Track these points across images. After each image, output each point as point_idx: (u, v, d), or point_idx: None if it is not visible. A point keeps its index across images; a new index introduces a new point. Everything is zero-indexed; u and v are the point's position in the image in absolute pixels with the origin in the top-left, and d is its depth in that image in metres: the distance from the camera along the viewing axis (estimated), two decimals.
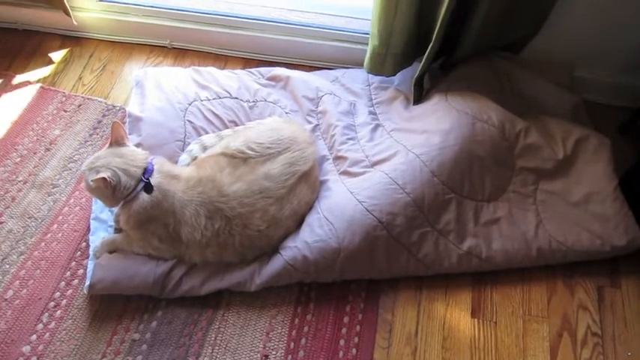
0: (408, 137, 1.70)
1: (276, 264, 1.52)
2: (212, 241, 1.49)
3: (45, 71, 2.08)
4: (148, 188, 1.45)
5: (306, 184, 1.56)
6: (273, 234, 1.53)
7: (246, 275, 1.53)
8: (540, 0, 1.69)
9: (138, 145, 1.65)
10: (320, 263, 1.51)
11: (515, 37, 1.81)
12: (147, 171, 1.47)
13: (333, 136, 1.76)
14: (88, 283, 1.52)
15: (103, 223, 1.65)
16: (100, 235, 1.62)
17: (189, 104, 1.78)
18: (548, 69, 1.84)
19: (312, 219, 1.56)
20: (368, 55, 1.82)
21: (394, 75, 1.86)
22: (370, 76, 1.91)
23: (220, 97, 1.83)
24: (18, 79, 2.04)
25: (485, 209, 1.60)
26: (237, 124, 1.79)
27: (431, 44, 1.68)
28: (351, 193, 1.57)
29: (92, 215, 1.66)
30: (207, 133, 1.75)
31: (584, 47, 1.85)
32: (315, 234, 1.52)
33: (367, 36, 1.88)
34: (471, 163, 1.61)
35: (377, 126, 1.80)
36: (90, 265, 1.56)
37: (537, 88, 1.81)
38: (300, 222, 1.56)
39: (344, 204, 1.55)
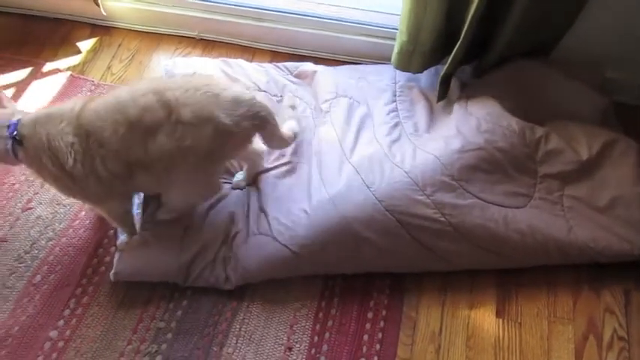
0: (427, 142, 1.70)
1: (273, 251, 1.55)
2: (86, 167, 1.40)
3: (74, 60, 2.09)
4: (18, 142, 1.41)
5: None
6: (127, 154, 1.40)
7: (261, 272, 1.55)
8: (571, 1, 1.67)
9: None
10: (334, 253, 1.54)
11: (545, 39, 1.79)
12: (10, 127, 1.41)
13: (347, 131, 1.76)
14: (113, 271, 1.54)
15: None
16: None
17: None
18: (578, 70, 1.81)
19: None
20: (396, 51, 1.81)
21: (421, 72, 1.85)
22: (397, 73, 1.90)
23: (249, 90, 1.83)
24: (48, 66, 2.06)
25: (513, 216, 1.58)
26: None
27: (458, 43, 1.67)
28: (369, 188, 1.56)
29: None
30: None
31: (614, 48, 1.82)
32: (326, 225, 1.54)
33: (395, 31, 1.86)
34: (491, 168, 1.60)
35: (397, 124, 1.78)
36: (117, 252, 1.58)
37: (566, 91, 1.79)
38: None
39: (360, 201, 1.55)
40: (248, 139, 1.52)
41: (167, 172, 1.44)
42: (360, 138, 1.73)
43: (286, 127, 1.66)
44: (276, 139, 1.60)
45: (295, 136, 1.68)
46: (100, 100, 1.42)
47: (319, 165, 1.68)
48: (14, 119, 1.42)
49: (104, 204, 1.53)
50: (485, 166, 1.60)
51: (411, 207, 1.53)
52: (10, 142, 1.41)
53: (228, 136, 1.42)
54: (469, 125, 1.66)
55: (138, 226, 1.62)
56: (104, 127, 1.37)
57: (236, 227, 1.61)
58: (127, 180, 1.44)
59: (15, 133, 1.40)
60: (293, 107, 1.80)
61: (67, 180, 1.43)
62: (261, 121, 1.48)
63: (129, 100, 1.38)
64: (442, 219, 1.53)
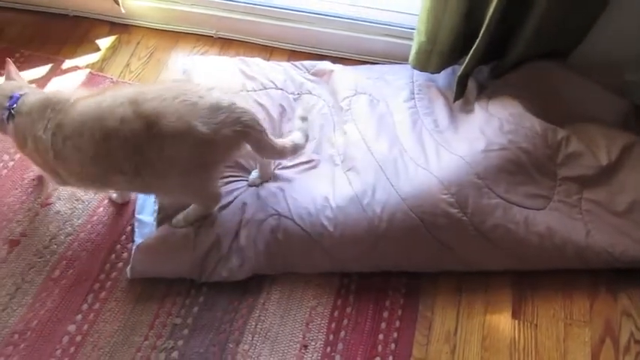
0: (450, 143, 1.69)
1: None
2: (65, 164, 1.44)
3: (93, 57, 2.11)
4: (13, 116, 1.45)
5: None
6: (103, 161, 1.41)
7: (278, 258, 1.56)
8: (592, 3, 1.66)
9: None
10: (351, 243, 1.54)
11: (564, 41, 1.78)
12: (12, 99, 1.46)
13: (369, 128, 1.76)
14: (129, 268, 1.56)
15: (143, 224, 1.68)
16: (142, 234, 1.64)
17: (235, 94, 1.80)
18: (597, 72, 1.80)
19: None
20: (414, 51, 1.81)
21: (439, 72, 1.85)
22: (414, 73, 1.90)
23: (266, 88, 1.85)
24: (67, 63, 2.08)
25: (533, 217, 1.57)
26: (281, 116, 1.80)
27: (476, 43, 1.66)
28: (393, 186, 1.57)
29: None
30: None
31: (633, 50, 1.80)
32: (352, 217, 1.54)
33: (413, 31, 1.86)
34: (515, 169, 1.60)
35: (416, 121, 1.78)
36: (134, 248, 1.60)
37: (585, 93, 1.78)
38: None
39: (384, 198, 1.55)
40: (234, 147, 1.46)
41: (152, 180, 1.43)
42: (381, 135, 1.73)
43: (289, 138, 1.58)
44: (266, 149, 1.49)
45: (296, 149, 1.57)
46: (90, 100, 1.41)
47: (343, 162, 1.68)
48: (19, 92, 1.46)
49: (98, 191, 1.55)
50: (509, 167, 1.59)
51: (434, 206, 1.53)
52: (6, 114, 1.45)
53: (210, 145, 1.37)
54: (492, 126, 1.66)
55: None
56: (82, 132, 1.37)
57: (248, 213, 1.60)
58: (107, 183, 1.46)
59: (14, 106, 1.44)
60: (304, 119, 1.65)
61: (49, 170, 1.47)
62: (243, 127, 1.40)
63: (107, 108, 1.36)
64: (464, 218, 1.53)
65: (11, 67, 1.55)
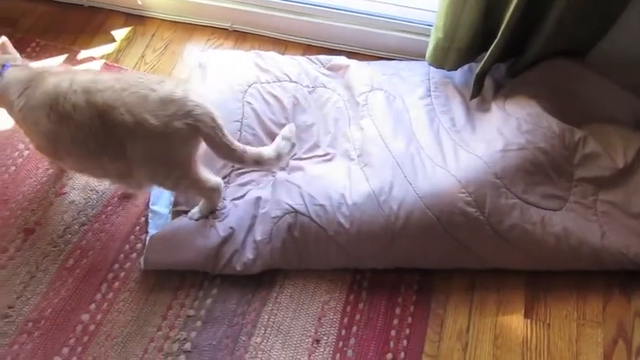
0: (468, 143, 1.69)
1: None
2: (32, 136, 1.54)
3: (108, 48, 2.11)
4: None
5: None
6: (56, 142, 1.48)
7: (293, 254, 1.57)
8: (611, 2, 1.65)
9: None
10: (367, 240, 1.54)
11: (582, 40, 1.76)
12: (3, 67, 1.50)
13: (386, 124, 1.75)
14: (142, 259, 1.56)
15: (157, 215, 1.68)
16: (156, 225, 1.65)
17: (249, 86, 1.80)
18: (616, 72, 1.79)
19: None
20: (431, 48, 1.80)
21: (456, 69, 1.84)
22: (431, 69, 1.89)
23: (280, 81, 1.84)
24: (82, 54, 2.08)
25: (549, 218, 1.57)
26: (295, 107, 1.80)
27: (495, 41, 1.65)
28: (410, 184, 1.56)
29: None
30: (265, 114, 1.76)
31: None
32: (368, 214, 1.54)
33: (429, 27, 1.85)
34: (533, 169, 1.59)
35: (433, 119, 1.78)
36: (147, 239, 1.60)
37: (603, 93, 1.76)
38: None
39: (401, 196, 1.55)
40: (188, 141, 1.42)
41: (128, 167, 1.44)
42: (398, 132, 1.72)
43: (261, 148, 1.53)
44: (222, 148, 1.44)
45: (260, 161, 1.49)
46: (53, 79, 1.43)
47: (359, 157, 1.68)
48: (12, 63, 1.51)
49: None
50: (527, 167, 1.58)
51: (451, 205, 1.52)
52: None
53: (162, 138, 1.37)
54: (509, 126, 1.65)
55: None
56: (42, 108, 1.41)
57: (264, 208, 1.60)
58: (84, 163, 1.53)
59: (3, 72, 1.49)
60: (287, 139, 1.55)
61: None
62: (195, 121, 1.37)
63: (62, 93, 1.39)
64: (481, 218, 1.52)
65: (8, 43, 1.58)
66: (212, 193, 1.57)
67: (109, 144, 1.40)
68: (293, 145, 1.55)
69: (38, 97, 1.42)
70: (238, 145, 1.47)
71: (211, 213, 1.60)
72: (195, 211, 1.60)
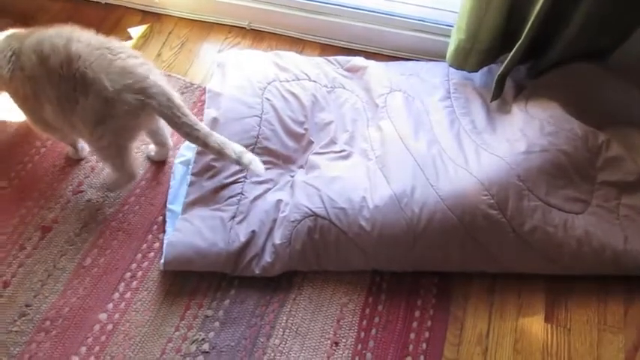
0: (490, 143, 1.67)
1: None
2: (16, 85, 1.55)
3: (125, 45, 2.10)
4: None
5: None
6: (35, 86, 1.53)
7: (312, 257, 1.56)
8: (636, 4, 1.63)
9: (216, 119, 1.68)
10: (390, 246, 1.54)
11: (606, 42, 1.74)
12: None
13: (406, 126, 1.74)
14: (162, 260, 1.55)
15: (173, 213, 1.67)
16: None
17: (269, 84, 1.79)
18: (637, 76, 1.77)
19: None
20: (452, 48, 1.79)
21: (477, 71, 1.83)
22: (450, 71, 1.87)
23: (299, 79, 1.83)
24: None
25: (572, 221, 1.55)
26: (314, 105, 1.80)
27: (519, 42, 1.63)
28: (432, 186, 1.55)
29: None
30: (285, 112, 1.75)
31: None
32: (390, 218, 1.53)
33: (449, 28, 1.85)
34: (555, 172, 1.58)
35: (453, 120, 1.76)
36: (165, 241, 1.59)
37: (624, 96, 1.75)
38: None
39: (423, 198, 1.54)
40: (137, 115, 1.48)
41: (71, 120, 1.53)
42: (419, 133, 1.71)
43: (230, 142, 1.51)
44: (182, 127, 1.48)
45: (222, 152, 1.48)
46: (42, 31, 1.51)
47: (381, 159, 1.66)
48: None
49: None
50: (550, 169, 1.57)
51: (474, 207, 1.51)
52: None
53: (109, 103, 1.44)
54: (532, 128, 1.63)
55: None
56: (28, 54, 1.48)
57: (284, 212, 1.59)
58: (43, 112, 1.56)
59: None
60: (252, 161, 1.50)
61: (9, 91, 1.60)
62: (146, 97, 1.44)
63: (49, 37, 1.48)
64: (503, 220, 1.51)
65: None
66: (125, 177, 1.67)
67: (70, 95, 1.47)
68: (247, 167, 1.52)
69: (27, 46, 1.49)
70: (203, 127, 1.51)
71: (115, 192, 1.73)
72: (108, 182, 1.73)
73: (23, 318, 1.49)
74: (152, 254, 1.62)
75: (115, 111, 1.46)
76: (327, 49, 2.10)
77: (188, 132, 1.49)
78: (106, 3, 2.22)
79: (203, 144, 1.50)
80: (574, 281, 1.59)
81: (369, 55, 2.03)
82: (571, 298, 1.57)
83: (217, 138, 1.50)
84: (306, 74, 1.86)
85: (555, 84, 1.73)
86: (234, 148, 1.50)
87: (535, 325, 1.53)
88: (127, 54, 1.49)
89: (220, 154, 1.50)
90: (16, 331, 1.47)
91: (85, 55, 1.44)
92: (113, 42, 1.53)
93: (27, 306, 1.51)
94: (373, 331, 1.50)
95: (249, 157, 1.50)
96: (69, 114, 1.52)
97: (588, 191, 1.60)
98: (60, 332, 1.48)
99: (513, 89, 1.80)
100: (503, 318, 1.54)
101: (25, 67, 1.49)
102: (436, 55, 1.97)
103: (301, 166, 1.71)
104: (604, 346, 1.50)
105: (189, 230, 1.57)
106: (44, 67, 1.47)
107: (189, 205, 1.62)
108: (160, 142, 1.76)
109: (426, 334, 1.50)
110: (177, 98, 1.50)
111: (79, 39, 1.47)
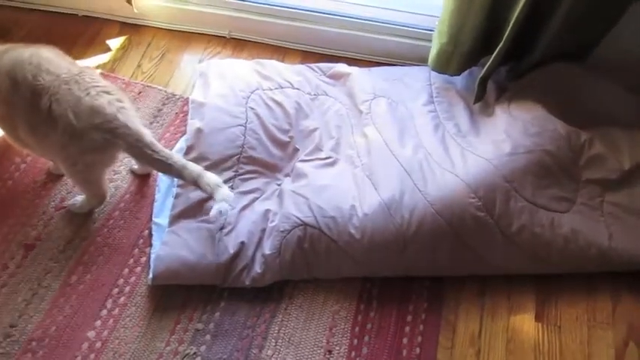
0: (476, 146, 1.69)
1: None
2: None
3: (104, 58, 2.08)
4: None
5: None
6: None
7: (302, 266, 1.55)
8: (614, 1, 1.65)
9: (200, 130, 1.67)
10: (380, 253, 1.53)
11: (584, 41, 1.77)
12: None
13: (391, 131, 1.74)
14: (151, 275, 1.53)
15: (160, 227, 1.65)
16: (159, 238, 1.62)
17: (252, 92, 1.79)
18: (617, 74, 1.80)
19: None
20: (434, 52, 1.80)
21: (459, 74, 1.84)
22: (432, 75, 1.88)
23: (282, 87, 1.83)
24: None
25: (558, 220, 1.57)
26: (298, 112, 1.80)
27: (500, 44, 1.65)
28: (420, 192, 1.55)
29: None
30: (269, 120, 1.75)
31: None
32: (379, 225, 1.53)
33: (430, 32, 1.85)
34: (541, 172, 1.59)
35: (437, 125, 1.77)
36: (152, 255, 1.57)
37: (605, 94, 1.77)
38: None
39: (411, 204, 1.54)
40: (105, 152, 1.50)
41: (42, 147, 1.55)
42: (404, 139, 1.72)
43: (205, 172, 1.50)
44: (156, 163, 1.50)
45: (198, 182, 1.48)
46: (17, 51, 1.50)
47: (368, 166, 1.66)
48: None
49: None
50: (535, 169, 1.59)
51: (462, 210, 1.52)
52: None
53: (76, 138, 1.43)
54: (516, 129, 1.65)
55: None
56: (2, 77, 1.46)
57: (273, 222, 1.58)
58: (18, 131, 1.54)
59: None
60: (217, 199, 1.47)
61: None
62: (113, 137, 1.44)
63: (20, 63, 1.45)
64: (491, 221, 1.52)
65: None
66: (96, 199, 1.66)
67: (40, 125, 1.47)
68: (217, 202, 1.48)
69: (1, 66, 1.47)
70: (176, 160, 1.50)
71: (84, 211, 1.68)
72: (76, 201, 1.68)
73: (8, 339, 1.45)
74: (139, 269, 1.59)
75: (83, 145, 1.45)
76: (309, 56, 2.10)
77: (161, 168, 1.53)
78: (83, 16, 2.19)
79: (178, 176, 1.53)
80: (563, 280, 1.60)
81: (351, 61, 2.03)
82: (560, 297, 1.59)
83: (192, 170, 1.49)
84: (289, 82, 1.85)
85: (536, 85, 1.75)
86: (210, 181, 1.49)
87: (526, 325, 1.54)
88: (99, 89, 1.46)
89: (195, 185, 1.51)
90: (1, 354, 1.43)
91: (54, 90, 1.42)
92: (85, 73, 1.50)
93: (12, 326, 1.48)
94: (366, 338, 1.50)
95: (223, 192, 1.47)
96: (41, 139, 1.51)
97: (573, 190, 1.62)
98: (47, 352, 1.44)
99: (495, 91, 1.81)
100: (494, 319, 1.55)
101: (1, 90, 1.47)
102: (418, 60, 1.98)
103: (287, 174, 1.71)
104: (594, 343, 1.52)
105: (177, 243, 1.55)
106: (17, 95, 1.45)
107: (175, 218, 1.60)
108: None
109: (419, 339, 1.50)
110: (148, 136, 1.49)
111: (49, 69, 1.45)
